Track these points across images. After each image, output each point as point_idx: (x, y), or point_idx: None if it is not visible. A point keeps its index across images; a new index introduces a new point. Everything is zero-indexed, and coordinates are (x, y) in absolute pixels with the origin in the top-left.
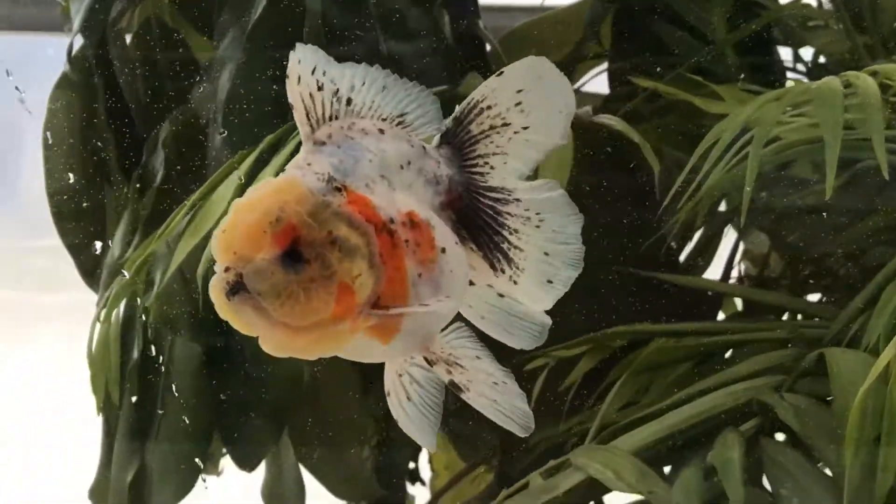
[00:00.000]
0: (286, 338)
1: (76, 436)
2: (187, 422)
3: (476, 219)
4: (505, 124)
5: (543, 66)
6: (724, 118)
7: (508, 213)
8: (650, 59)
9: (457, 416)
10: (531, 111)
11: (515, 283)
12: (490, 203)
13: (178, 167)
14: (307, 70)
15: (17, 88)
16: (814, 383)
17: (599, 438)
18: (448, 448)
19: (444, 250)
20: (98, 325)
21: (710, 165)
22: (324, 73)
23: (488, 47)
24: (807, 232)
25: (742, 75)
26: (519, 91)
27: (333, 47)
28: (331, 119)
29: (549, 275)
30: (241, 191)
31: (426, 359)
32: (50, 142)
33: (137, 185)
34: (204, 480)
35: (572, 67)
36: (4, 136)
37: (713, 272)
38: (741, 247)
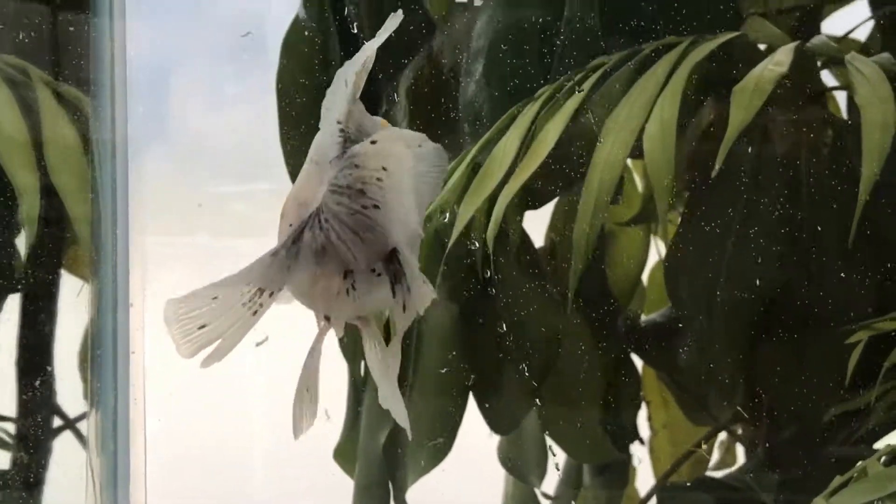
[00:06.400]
0: None
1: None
2: (442, 383)
3: None
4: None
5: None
6: None
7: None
8: None
9: (685, 370)
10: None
11: None
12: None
13: (422, 118)
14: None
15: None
16: None
17: None
18: (667, 405)
19: None
20: None
21: None
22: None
23: None
24: None
25: None
26: (384, 168)
27: None
28: None
29: None
30: (525, 146)
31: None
32: (282, 87)
33: None
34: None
35: (820, 9)
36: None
37: None
38: None
